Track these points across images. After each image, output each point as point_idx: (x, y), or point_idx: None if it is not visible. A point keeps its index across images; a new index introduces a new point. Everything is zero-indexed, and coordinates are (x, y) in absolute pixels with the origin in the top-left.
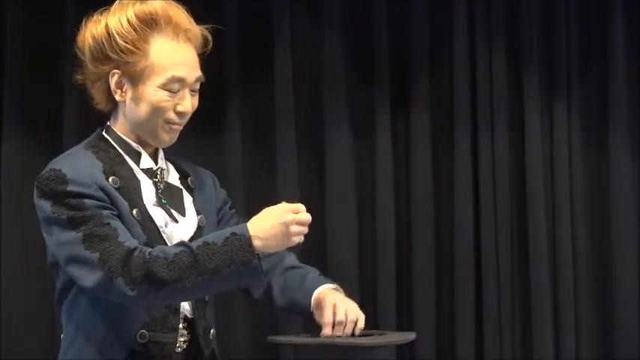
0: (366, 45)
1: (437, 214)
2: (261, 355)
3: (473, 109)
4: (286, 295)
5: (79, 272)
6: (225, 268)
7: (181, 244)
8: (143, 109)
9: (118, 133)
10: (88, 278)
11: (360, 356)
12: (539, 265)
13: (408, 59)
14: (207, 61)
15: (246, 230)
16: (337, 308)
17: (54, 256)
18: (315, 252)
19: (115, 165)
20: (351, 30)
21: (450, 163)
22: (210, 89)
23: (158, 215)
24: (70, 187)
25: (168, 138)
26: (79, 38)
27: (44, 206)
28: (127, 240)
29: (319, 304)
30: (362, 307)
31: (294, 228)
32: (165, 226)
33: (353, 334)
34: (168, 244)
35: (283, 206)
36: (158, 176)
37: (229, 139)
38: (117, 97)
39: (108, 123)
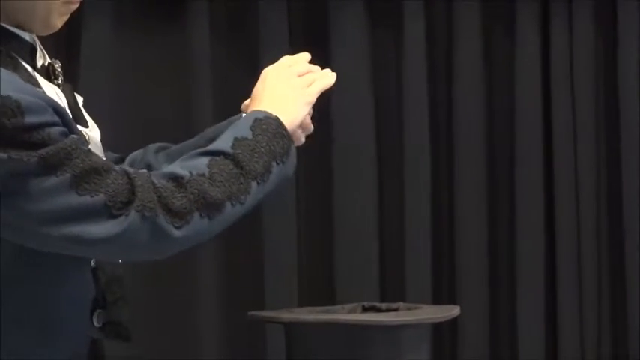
0: None
1: (489, 137)
2: (238, 335)
3: None
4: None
5: (84, 229)
6: (272, 165)
7: (197, 153)
8: None
9: None
10: (103, 231)
11: (380, 339)
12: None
13: None
14: None
15: (267, 111)
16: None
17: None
18: (315, 199)
19: (18, 70)
20: None
21: (509, 62)
22: None
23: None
24: (29, 119)
25: (60, 23)
26: None
27: None
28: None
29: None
30: (384, 284)
31: (312, 87)
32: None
33: (368, 309)
34: None
35: (284, 64)
36: (60, 76)
37: (194, 23)
38: None
39: None
